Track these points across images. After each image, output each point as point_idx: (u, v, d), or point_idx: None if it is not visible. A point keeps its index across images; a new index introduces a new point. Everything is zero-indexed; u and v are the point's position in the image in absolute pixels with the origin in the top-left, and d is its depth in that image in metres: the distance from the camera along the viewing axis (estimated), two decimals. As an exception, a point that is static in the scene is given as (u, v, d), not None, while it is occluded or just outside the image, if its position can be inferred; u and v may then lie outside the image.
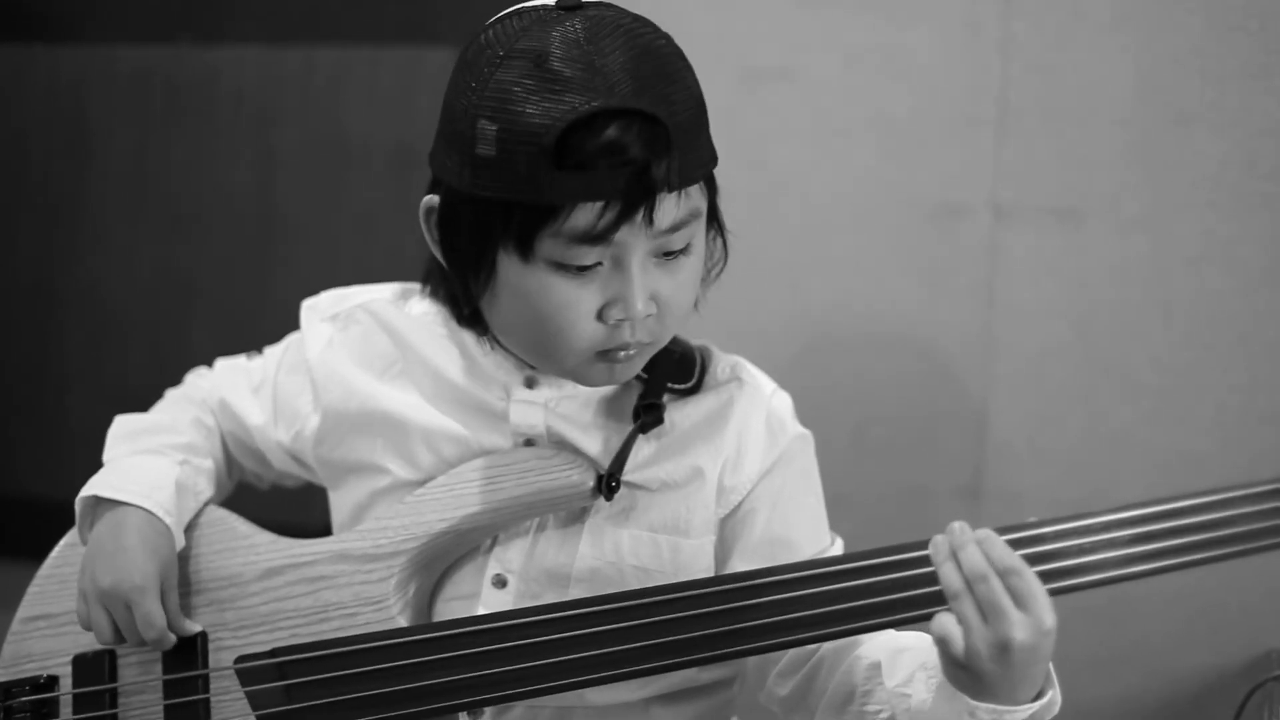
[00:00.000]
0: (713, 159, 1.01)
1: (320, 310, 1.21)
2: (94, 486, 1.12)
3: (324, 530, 1.17)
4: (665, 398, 1.12)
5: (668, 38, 0.98)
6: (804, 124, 1.74)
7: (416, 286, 1.17)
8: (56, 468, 2.23)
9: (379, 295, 1.20)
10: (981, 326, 1.71)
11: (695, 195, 0.99)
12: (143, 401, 1.27)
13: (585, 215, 0.93)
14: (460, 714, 1.04)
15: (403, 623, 1.08)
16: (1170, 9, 1.60)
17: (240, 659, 1.07)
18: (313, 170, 2.27)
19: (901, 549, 0.98)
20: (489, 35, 0.97)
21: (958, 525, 0.92)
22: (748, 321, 1.72)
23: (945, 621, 0.90)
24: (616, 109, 0.91)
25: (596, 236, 0.94)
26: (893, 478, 1.76)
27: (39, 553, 1.16)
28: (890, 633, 1.04)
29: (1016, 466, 1.71)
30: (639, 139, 0.92)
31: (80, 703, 1.09)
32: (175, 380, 1.30)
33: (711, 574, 1.12)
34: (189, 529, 1.14)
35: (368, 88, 2.23)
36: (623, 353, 1.01)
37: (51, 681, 1.11)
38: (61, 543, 1.15)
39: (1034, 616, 0.88)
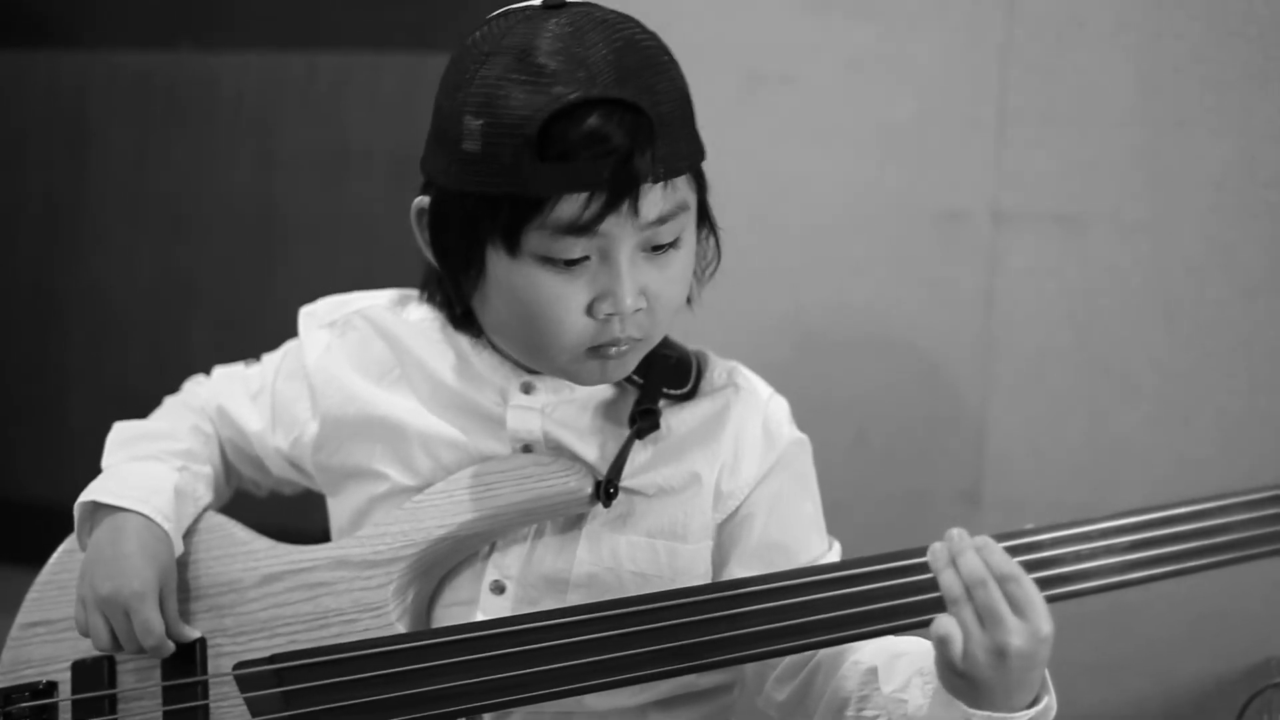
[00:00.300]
0: (699, 153, 1.01)
1: (318, 317, 1.21)
2: (92, 492, 1.12)
3: (323, 536, 1.17)
4: (662, 403, 1.12)
5: (653, 35, 0.99)
6: (806, 129, 1.74)
7: (414, 292, 1.18)
8: (56, 471, 2.24)
9: (376, 301, 1.20)
10: (981, 331, 1.71)
11: (682, 188, 0.99)
12: (143, 405, 1.27)
13: (570, 206, 0.93)
14: (458, 720, 1.04)
15: (401, 629, 1.08)
16: (1171, 15, 1.60)
17: (239, 665, 1.06)
18: (314, 176, 2.27)
19: (900, 555, 0.98)
20: (476, 36, 0.98)
21: (956, 532, 0.92)
22: (747, 325, 1.72)
23: (945, 622, 0.90)
24: (598, 98, 0.91)
25: (582, 228, 0.94)
26: (892, 483, 1.75)
27: (39, 557, 1.16)
28: (887, 638, 1.03)
29: (1016, 472, 1.71)
30: (621, 128, 0.92)
31: (79, 709, 1.09)
32: (175, 384, 1.30)
33: (709, 579, 1.12)
34: (188, 535, 1.14)
35: (369, 94, 2.23)
36: (614, 349, 1.01)
37: (51, 687, 1.10)
38: (60, 548, 1.15)
39: (1031, 623, 0.88)
